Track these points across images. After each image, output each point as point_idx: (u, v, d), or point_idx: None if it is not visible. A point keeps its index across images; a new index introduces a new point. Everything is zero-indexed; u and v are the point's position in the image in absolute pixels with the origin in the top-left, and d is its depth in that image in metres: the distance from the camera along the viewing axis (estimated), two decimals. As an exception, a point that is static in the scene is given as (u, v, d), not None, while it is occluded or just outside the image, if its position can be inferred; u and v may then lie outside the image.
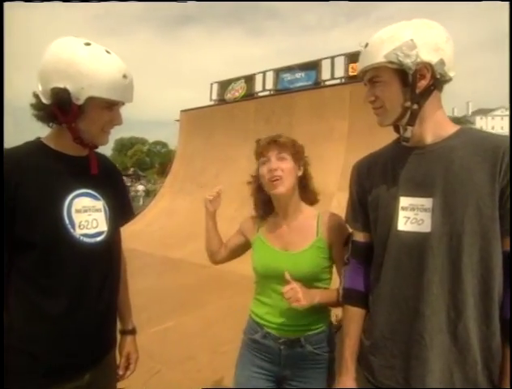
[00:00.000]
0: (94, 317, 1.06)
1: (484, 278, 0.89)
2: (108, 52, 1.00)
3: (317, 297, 1.23)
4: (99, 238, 1.07)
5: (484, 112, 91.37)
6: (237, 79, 11.16)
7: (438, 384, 0.91)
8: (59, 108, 0.97)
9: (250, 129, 9.16)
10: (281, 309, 1.30)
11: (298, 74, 9.67)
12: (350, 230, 1.24)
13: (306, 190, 1.39)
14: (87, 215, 1.04)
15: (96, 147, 1.09)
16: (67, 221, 1.00)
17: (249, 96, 10.52)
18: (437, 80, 0.94)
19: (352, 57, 8.64)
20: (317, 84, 9.28)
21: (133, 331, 1.28)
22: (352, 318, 1.12)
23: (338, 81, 8.99)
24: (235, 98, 10.95)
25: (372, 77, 1.00)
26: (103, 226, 1.09)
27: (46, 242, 0.96)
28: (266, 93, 10.31)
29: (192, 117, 10.31)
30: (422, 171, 0.97)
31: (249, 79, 10.78)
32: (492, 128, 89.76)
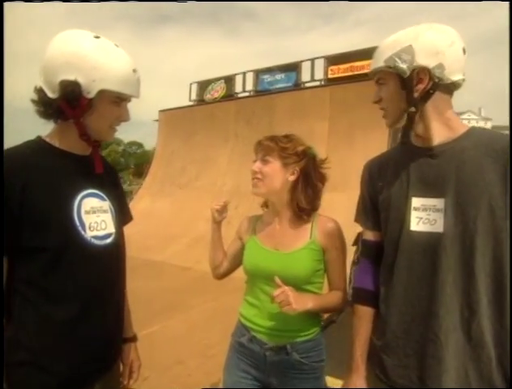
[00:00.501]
0: (104, 323, 1.01)
1: (497, 277, 0.91)
2: (116, 45, 0.97)
3: (309, 302, 1.19)
4: (108, 240, 1.02)
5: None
6: (217, 79, 11.09)
7: (454, 384, 0.92)
8: (67, 101, 0.92)
9: (231, 129, 9.11)
10: (269, 312, 1.26)
11: (278, 76, 9.72)
12: (343, 233, 1.25)
13: (293, 199, 1.31)
14: (95, 217, 0.99)
15: (100, 145, 1.04)
16: (78, 223, 0.94)
17: (229, 96, 10.48)
18: (435, 84, 0.95)
19: (332, 60, 8.78)
20: (298, 86, 9.34)
21: (134, 339, 1.23)
22: (362, 318, 1.11)
23: (317, 83, 9.10)
24: (214, 98, 10.88)
25: (378, 79, 1.04)
26: (111, 228, 1.04)
27: (57, 246, 0.90)
28: (247, 94, 10.30)
29: (171, 118, 10.14)
30: (433, 171, 0.98)
31: (229, 80, 10.74)
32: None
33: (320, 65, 9.06)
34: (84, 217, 0.96)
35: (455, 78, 0.97)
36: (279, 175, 1.29)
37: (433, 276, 0.95)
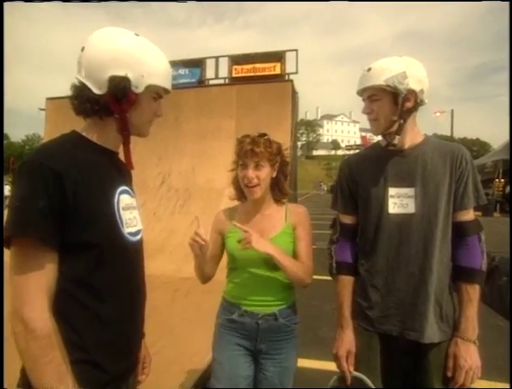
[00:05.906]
0: (140, 318, 1.05)
1: (447, 242, 1.28)
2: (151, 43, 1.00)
3: (270, 248, 1.35)
4: (138, 237, 1.04)
5: (329, 117, 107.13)
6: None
7: (425, 321, 1.26)
8: (115, 97, 0.92)
9: (133, 123, 8.61)
10: (258, 288, 1.47)
11: (182, 71, 9.58)
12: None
13: (275, 190, 1.54)
14: (129, 213, 1.00)
15: (130, 141, 1.04)
16: (118, 219, 0.95)
17: (128, 88, 9.93)
18: (417, 104, 1.26)
19: (236, 59, 9.09)
20: (202, 82, 9.41)
21: (144, 334, 1.24)
22: (347, 285, 1.39)
23: (222, 81, 9.31)
24: (111, 89, 10.16)
25: (370, 95, 1.28)
26: (139, 224, 1.06)
27: (104, 242, 0.89)
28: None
29: (62, 107, 9.06)
30: (405, 168, 1.30)
31: (128, 70, 10.17)
32: (336, 131, 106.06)
33: (224, 63, 9.29)
34: (122, 213, 0.97)
35: (426, 101, 1.28)
36: (269, 176, 1.47)
37: (408, 245, 1.27)
